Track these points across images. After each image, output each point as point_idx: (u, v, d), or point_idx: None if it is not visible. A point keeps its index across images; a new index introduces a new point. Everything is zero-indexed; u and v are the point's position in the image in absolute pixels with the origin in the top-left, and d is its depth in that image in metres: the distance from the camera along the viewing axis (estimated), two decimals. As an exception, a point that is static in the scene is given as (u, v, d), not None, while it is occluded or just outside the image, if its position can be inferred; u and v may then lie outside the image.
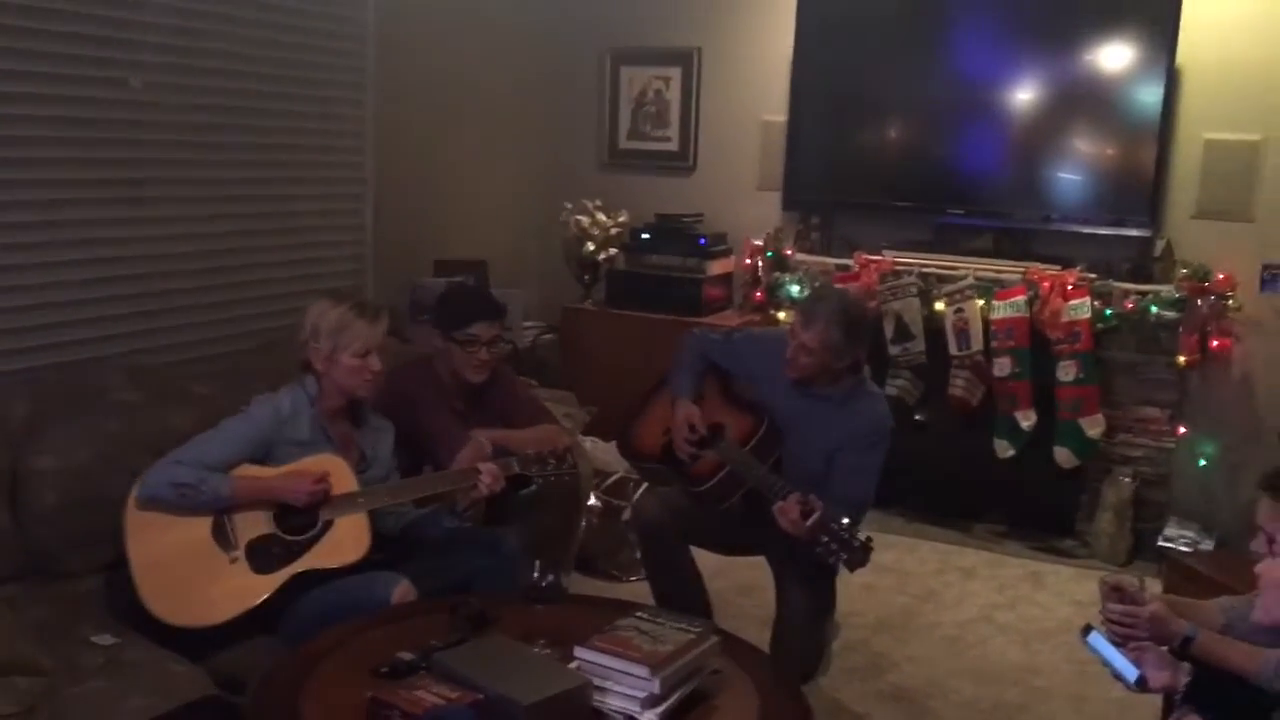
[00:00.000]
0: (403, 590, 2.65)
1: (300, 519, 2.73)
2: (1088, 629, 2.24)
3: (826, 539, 2.75)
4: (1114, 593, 2.25)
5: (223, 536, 2.68)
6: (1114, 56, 4.55)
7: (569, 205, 5.29)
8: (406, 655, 2.21)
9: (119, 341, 3.46)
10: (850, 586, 3.23)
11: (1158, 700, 2.49)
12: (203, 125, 3.68)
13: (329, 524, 2.73)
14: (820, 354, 3.03)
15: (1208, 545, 4.31)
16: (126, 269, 3.48)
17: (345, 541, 2.71)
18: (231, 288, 3.86)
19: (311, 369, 2.88)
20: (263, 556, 2.68)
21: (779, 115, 5.20)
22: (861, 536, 2.75)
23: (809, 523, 2.75)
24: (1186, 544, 4.30)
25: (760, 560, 3.31)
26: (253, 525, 2.71)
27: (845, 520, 2.77)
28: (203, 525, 2.68)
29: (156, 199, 3.56)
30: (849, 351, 3.07)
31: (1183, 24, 4.38)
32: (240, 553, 2.67)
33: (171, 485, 2.65)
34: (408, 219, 4.76)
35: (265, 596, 2.62)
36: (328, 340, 2.83)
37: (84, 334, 3.36)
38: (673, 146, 5.58)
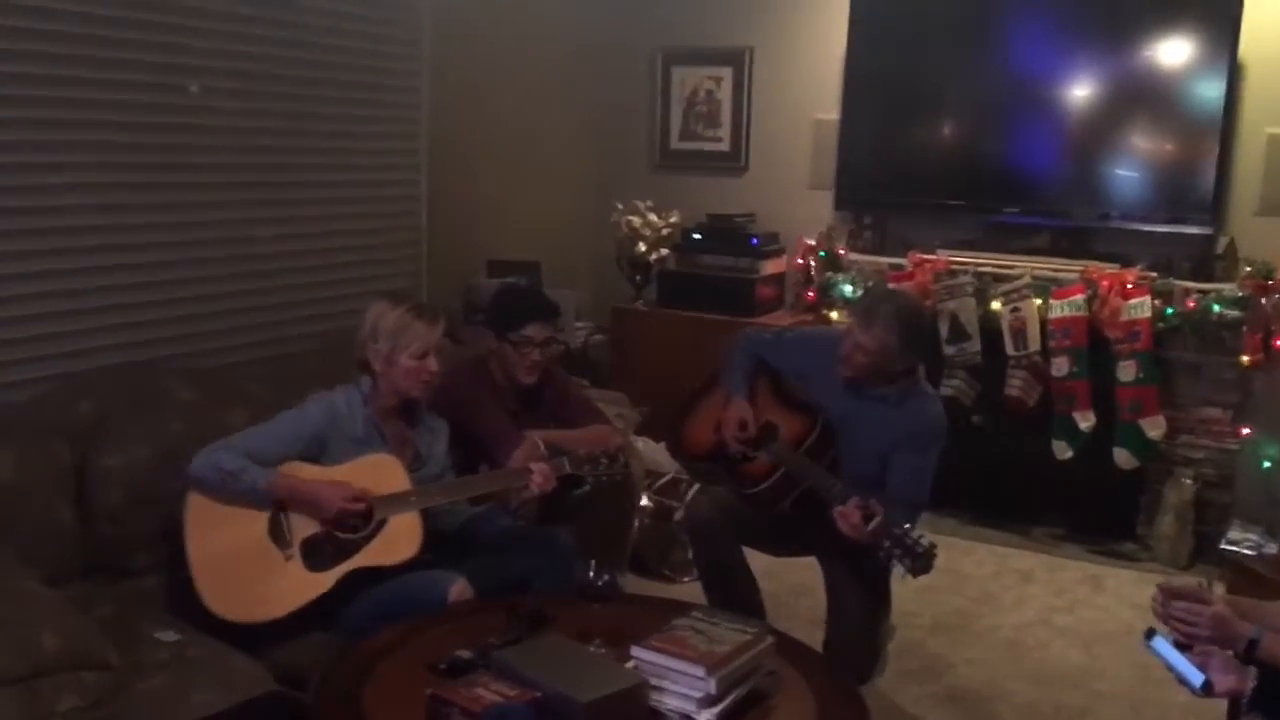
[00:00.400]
0: (459, 588, 2.67)
1: (354, 517, 2.75)
2: (1151, 633, 2.20)
3: (888, 544, 2.72)
4: (1174, 593, 2.21)
5: (279, 534, 2.72)
6: (1174, 51, 4.48)
7: (620, 206, 5.30)
8: (465, 653, 2.23)
9: (179, 342, 3.52)
10: (906, 588, 3.20)
11: (1222, 705, 2.44)
12: (259, 129, 3.74)
13: (382, 522, 2.75)
14: (876, 356, 3.01)
15: (1272, 549, 4.20)
16: (186, 271, 3.54)
17: (399, 539, 2.74)
18: (288, 289, 3.91)
19: (369, 369, 2.91)
20: (317, 554, 2.71)
21: (831, 114, 5.18)
22: (925, 542, 2.71)
23: (870, 527, 2.73)
24: (1250, 547, 4.19)
25: (812, 561, 3.29)
26: (308, 523, 2.73)
27: (906, 525, 2.74)
28: (259, 522, 2.72)
29: (214, 203, 3.61)
30: (905, 357, 3.05)
31: (1245, 17, 4.30)
32: (295, 550, 2.71)
33: (216, 469, 2.69)
34: (461, 220, 4.79)
35: (320, 594, 2.65)
36: (386, 341, 2.86)
37: (145, 335, 3.42)
38: (724, 146, 5.57)
